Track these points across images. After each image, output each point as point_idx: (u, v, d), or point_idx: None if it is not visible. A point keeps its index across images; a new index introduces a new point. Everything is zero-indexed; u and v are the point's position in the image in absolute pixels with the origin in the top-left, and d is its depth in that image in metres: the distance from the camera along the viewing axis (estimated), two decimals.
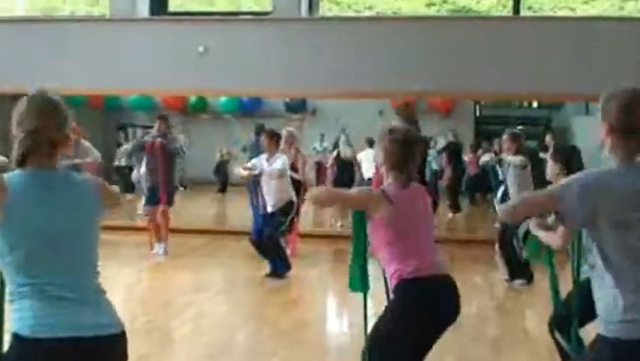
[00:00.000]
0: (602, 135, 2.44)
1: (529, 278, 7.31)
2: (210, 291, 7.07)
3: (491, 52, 9.79)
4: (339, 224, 10.93)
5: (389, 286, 3.27)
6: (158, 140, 8.52)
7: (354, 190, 3.35)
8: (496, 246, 8.36)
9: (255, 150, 10.63)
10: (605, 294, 2.34)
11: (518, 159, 7.08)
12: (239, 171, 7.94)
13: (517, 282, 7.40)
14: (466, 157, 14.21)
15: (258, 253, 7.78)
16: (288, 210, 7.67)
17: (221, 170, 17.32)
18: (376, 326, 3.23)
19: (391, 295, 3.25)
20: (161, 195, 8.62)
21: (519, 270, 7.34)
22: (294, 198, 7.80)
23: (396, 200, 3.21)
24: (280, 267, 7.57)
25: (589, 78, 9.29)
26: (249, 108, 18.58)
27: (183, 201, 12.29)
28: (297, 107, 18.77)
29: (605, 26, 9.82)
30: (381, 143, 3.32)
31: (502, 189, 7.58)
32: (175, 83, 10.49)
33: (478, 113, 19.15)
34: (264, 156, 7.79)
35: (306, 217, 10.59)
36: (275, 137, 7.81)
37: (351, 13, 12.62)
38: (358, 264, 3.29)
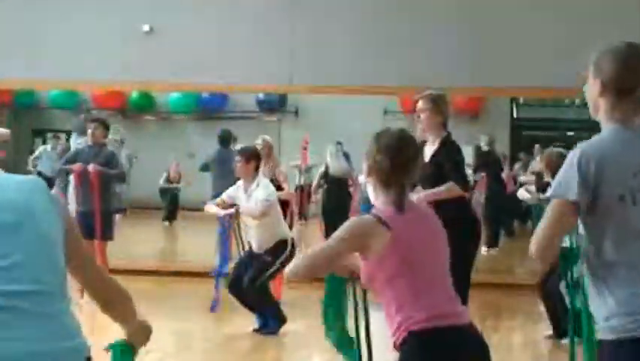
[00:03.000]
0: (592, 96, 2.76)
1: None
2: (156, 354, 7.07)
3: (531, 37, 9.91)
4: None
5: (394, 343, 3.27)
6: (92, 167, 8.55)
7: (337, 235, 3.26)
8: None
9: (219, 168, 10.66)
10: (619, 289, 2.63)
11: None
12: (210, 208, 7.96)
13: (566, 341, 7.43)
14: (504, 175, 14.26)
15: (240, 304, 7.71)
16: (279, 252, 7.57)
17: (169, 194, 17.19)
18: None
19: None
20: (96, 226, 8.63)
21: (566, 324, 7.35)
22: (289, 235, 7.78)
23: (394, 225, 3.19)
24: (272, 320, 7.58)
25: None
26: (210, 108, 18.64)
27: (121, 231, 12.27)
28: (273, 105, 18.86)
29: None
30: (367, 152, 3.33)
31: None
32: (109, 74, 10.53)
33: (515, 114, 19.30)
34: (240, 184, 7.75)
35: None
36: (253, 160, 7.66)
37: None
38: (340, 328, 3.38)
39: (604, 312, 2.69)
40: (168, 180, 17.25)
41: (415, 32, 10.09)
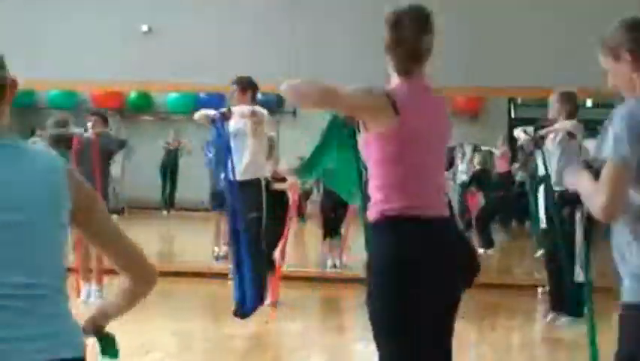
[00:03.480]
0: (624, 77, 2.66)
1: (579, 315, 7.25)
2: (156, 355, 7.08)
3: (532, 35, 9.93)
4: (330, 263, 10.98)
5: (369, 214, 3.23)
6: (93, 133, 8.61)
7: (350, 88, 3.18)
8: (539, 291, 8.44)
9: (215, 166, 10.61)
10: None
11: (569, 123, 7.17)
12: (199, 113, 7.72)
13: (563, 320, 7.41)
14: (497, 151, 14.36)
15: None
16: (256, 195, 7.42)
17: (169, 166, 17.37)
18: (369, 309, 3.16)
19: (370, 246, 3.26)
20: None
21: (568, 303, 7.29)
22: (264, 175, 7.67)
23: (404, 111, 3.15)
24: (250, 299, 7.22)
25: None
26: (208, 108, 18.64)
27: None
28: (271, 105, 18.79)
29: None
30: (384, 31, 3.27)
31: (542, 205, 7.60)
32: (109, 74, 10.56)
33: (513, 114, 19.34)
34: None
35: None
36: (250, 89, 7.65)
37: None
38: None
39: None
40: (168, 145, 17.80)
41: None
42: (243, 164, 7.52)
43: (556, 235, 7.14)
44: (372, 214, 3.19)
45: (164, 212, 17.14)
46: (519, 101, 19.07)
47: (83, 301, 8.72)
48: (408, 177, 3.16)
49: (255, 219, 7.42)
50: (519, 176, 12.84)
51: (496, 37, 10.01)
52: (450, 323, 3.24)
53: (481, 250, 12.52)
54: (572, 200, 6.97)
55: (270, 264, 8.46)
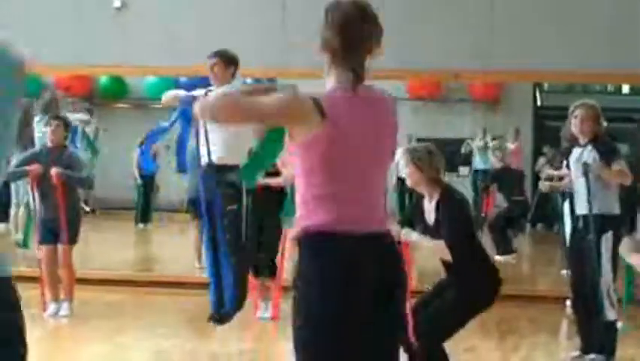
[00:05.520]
0: None
1: (611, 354, 7.33)
2: None
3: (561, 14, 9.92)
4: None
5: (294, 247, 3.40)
6: (54, 171, 8.53)
7: (270, 97, 3.28)
8: (568, 304, 8.44)
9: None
10: None
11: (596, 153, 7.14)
12: (168, 94, 7.68)
13: (593, 357, 7.45)
14: (512, 145, 14.40)
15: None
16: (236, 185, 7.16)
17: (147, 189, 17.16)
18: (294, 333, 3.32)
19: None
20: (61, 227, 8.66)
21: (603, 340, 7.35)
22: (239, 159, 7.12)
23: (331, 113, 3.24)
24: (230, 301, 7.15)
25: None
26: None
27: (89, 233, 12.29)
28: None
29: None
30: (319, 26, 3.39)
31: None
32: (76, 57, 10.54)
33: (539, 102, 19.34)
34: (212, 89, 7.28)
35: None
36: (233, 65, 7.45)
37: None
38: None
39: None
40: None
41: (425, 5, 10.09)
42: (224, 145, 7.20)
43: (581, 263, 7.19)
44: (296, 233, 3.32)
45: (140, 225, 16.96)
46: (546, 87, 19.08)
47: (50, 315, 8.72)
48: (334, 187, 3.26)
49: (234, 213, 7.30)
50: (545, 174, 12.90)
51: (519, 11, 9.97)
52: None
53: (498, 258, 12.54)
54: (600, 225, 7.04)
55: (271, 269, 8.46)
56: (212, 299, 7.28)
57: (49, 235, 8.79)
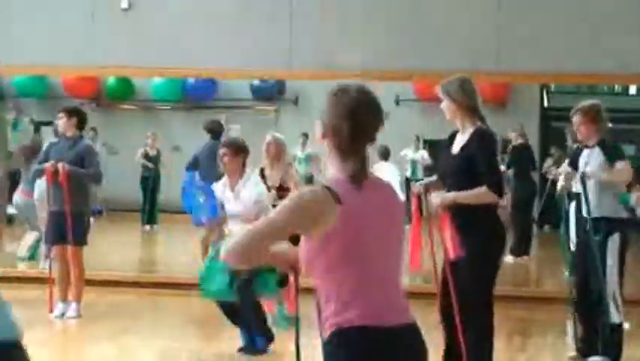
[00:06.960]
0: None
1: (616, 357, 7.30)
2: None
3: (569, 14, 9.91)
4: None
5: (320, 331, 3.27)
6: (61, 166, 8.58)
7: (282, 207, 3.19)
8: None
9: (209, 163, 10.62)
10: None
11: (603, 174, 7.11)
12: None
13: (596, 358, 7.43)
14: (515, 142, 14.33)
15: (225, 317, 7.64)
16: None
17: (150, 180, 17.17)
18: None
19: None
20: (67, 229, 8.66)
21: (603, 346, 7.32)
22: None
23: (346, 201, 3.16)
24: (260, 338, 7.46)
25: None
26: (197, 95, 18.63)
27: (97, 235, 12.29)
28: (270, 92, 18.86)
29: None
30: (322, 112, 3.30)
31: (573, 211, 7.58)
32: (83, 58, 10.54)
33: (546, 103, 19.33)
34: (226, 182, 7.58)
35: None
36: (242, 153, 7.54)
37: None
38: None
39: None
40: (147, 156, 17.11)
41: (433, 7, 10.09)
42: None
43: (587, 265, 7.17)
44: (324, 330, 3.22)
45: (147, 227, 16.99)
46: (552, 88, 19.07)
47: (56, 317, 8.72)
48: (362, 279, 3.19)
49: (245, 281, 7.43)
50: (552, 175, 12.85)
51: (527, 14, 9.97)
52: None
53: (510, 258, 12.48)
54: (606, 228, 7.04)
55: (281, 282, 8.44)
56: (244, 341, 7.54)
57: (57, 235, 8.77)
